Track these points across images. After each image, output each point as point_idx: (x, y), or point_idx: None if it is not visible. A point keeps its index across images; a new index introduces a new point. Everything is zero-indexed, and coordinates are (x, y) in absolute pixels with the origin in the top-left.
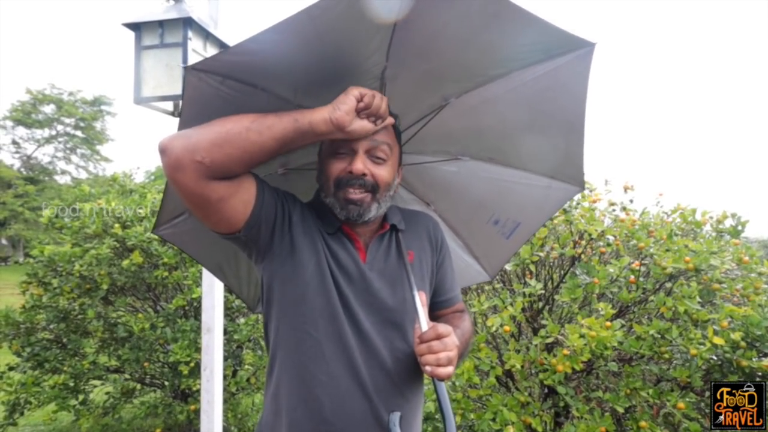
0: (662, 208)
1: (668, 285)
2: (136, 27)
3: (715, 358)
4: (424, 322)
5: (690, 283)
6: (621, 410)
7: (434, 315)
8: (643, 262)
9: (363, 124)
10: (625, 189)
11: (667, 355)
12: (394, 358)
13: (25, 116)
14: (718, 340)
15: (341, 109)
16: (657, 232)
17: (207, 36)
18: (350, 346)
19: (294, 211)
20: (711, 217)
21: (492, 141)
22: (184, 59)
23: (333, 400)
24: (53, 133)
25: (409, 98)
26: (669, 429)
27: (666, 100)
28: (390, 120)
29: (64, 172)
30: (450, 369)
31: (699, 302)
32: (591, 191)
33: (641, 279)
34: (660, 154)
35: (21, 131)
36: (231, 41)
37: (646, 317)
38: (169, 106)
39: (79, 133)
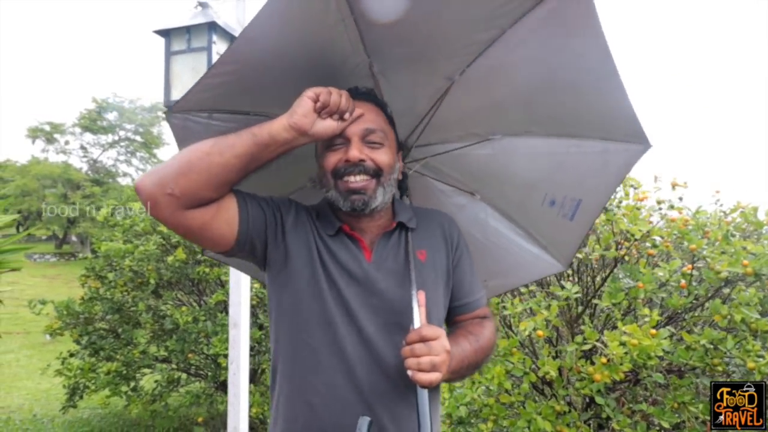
0: (721, 207)
1: (726, 291)
2: (165, 33)
3: None
4: (417, 324)
5: (747, 289)
6: (666, 425)
7: (453, 321)
8: (696, 265)
9: (327, 124)
10: (673, 186)
11: (720, 368)
12: (400, 363)
13: (91, 123)
14: None
15: (298, 113)
16: (712, 232)
17: (231, 40)
18: (348, 353)
19: (287, 218)
20: None
21: (518, 112)
22: (209, 62)
23: (332, 410)
24: (116, 138)
25: (411, 88)
26: None
27: (728, 93)
28: (359, 112)
29: (125, 174)
30: (433, 376)
31: (760, 310)
32: (635, 188)
33: (694, 284)
34: (720, 148)
35: (88, 137)
36: None
37: (698, 326)
38: None
39: (138, 137)
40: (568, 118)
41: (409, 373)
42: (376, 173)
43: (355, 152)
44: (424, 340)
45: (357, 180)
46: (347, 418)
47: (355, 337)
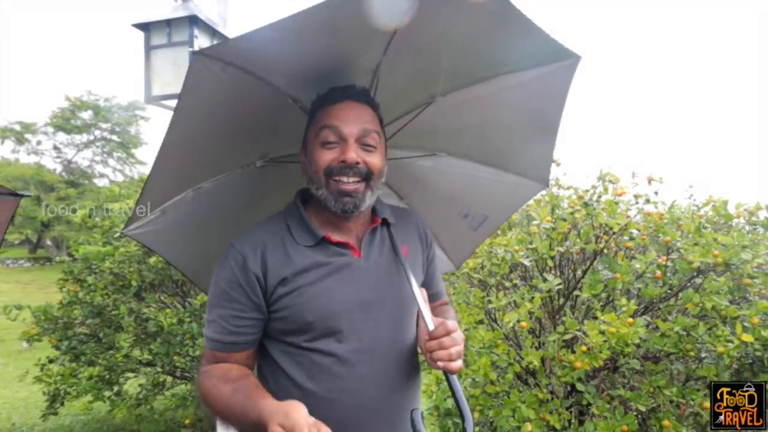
0: (695, 201)
1: (698, 281)
2: (145, 27)
3: (746, 356)
4: (429, 319)
5: (718, 278)
6: (642, 409)
7: None
8: (670, 257)
9: None
10: (649, 181)
11: (692, 353)
12: (396, 353)
13: (64, 122)
14: (746, 338)
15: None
16: (685, 225)
17: (213, 33)
18: (351, 360)
19: (259, 291)
20: (746, 210)
21: (470, 139)
22: (191, 57)
23: (355, 412)
24: (91, 138)
25: (398, 93)
26: (697, 429)
27: (707, 91)
28: None
29: (102, 175)
30: (460, 362)
31: (729, 298)
32: (613, 184)
33: (668, 275)
34: (695, 145)
35: (61, 137)
36: None
37: (672, 314)
38: None
39: (115, 137)
40: (502, 152)
41: (440, 364)
42: (368, 176)
43: (353, 154)
44: (449, 333)
45: (349, 182)
46: (355, 411)
47: (356, 332)
